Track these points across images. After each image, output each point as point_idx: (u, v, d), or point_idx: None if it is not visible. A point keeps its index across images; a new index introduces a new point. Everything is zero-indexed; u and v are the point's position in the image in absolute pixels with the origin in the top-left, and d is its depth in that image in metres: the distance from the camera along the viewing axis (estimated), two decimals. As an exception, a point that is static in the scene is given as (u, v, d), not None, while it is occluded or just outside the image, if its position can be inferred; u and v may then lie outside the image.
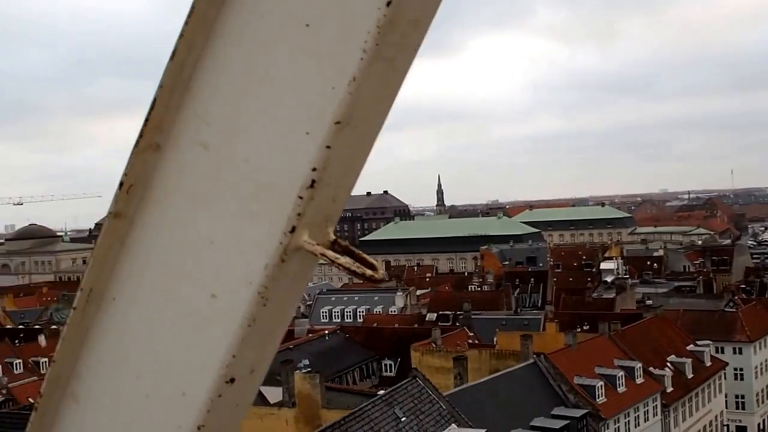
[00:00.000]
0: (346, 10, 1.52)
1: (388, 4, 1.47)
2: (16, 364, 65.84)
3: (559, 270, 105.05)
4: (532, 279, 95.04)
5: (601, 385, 47.85)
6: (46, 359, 69.12)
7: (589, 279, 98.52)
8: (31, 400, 45.28)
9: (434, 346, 54.44)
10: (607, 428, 46.97)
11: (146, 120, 1.73)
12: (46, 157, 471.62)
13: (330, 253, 1.69)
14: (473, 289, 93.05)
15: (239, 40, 1.63)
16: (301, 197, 1.61)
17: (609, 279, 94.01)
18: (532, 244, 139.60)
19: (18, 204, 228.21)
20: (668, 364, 55.51)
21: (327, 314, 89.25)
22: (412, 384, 36.50)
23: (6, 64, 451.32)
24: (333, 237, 1.73)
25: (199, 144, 1.72)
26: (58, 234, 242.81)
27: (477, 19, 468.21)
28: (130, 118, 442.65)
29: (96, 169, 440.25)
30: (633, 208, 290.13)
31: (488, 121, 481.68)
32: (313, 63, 1.57)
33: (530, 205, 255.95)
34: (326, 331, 67.55)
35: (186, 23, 1.65)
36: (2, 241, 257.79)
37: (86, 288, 1.84)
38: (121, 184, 1.76)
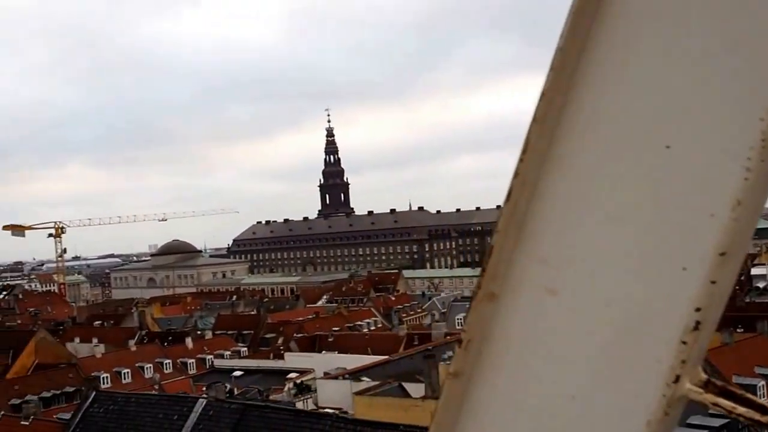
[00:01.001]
0: (719, 126, 1.28)
1: None
2: (165, 363, 68.64)
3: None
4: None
5: (763, 385, 45.36)
6: (193, 360, 71.29)
7: (737, 287, 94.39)
8: (179, 394, 46.44)
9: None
10: (769, 429, 44.31)
11: (483, 270, 1.45)
12: (187, 180, 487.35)
13: (724, 402, 1.36)
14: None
15: (579, 170, 1.39)
16: (684, 342, 1.35)
17: (761, 285, 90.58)
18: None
19: (162, 220, 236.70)
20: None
21: (462, 321, 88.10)
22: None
23: (150, 95, 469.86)
24: (704, 376, 1.45)
25: (543, 290, 1.46)
26: (199, 249, 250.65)
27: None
28: (262, 141, 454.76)
29: (231, 189, 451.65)
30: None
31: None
32: (683, 189, 1.32)
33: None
34: (465, 334, 66.56)
35: (520, 160, 1.41)
36: (149, 257, 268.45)
37: None
38: (460, 342, 1.54)
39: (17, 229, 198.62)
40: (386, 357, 57.78)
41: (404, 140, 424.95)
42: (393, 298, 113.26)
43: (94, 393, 34.59)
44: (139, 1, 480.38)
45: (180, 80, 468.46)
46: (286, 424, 27.71)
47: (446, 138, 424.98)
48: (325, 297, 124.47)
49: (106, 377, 60.14)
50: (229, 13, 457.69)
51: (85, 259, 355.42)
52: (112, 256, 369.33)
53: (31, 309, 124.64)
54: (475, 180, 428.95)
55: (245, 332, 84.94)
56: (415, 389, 45.84)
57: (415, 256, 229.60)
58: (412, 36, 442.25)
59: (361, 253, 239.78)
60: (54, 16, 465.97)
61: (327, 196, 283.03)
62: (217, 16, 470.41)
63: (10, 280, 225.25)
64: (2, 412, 40.03)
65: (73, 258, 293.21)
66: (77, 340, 78.60)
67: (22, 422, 37.89)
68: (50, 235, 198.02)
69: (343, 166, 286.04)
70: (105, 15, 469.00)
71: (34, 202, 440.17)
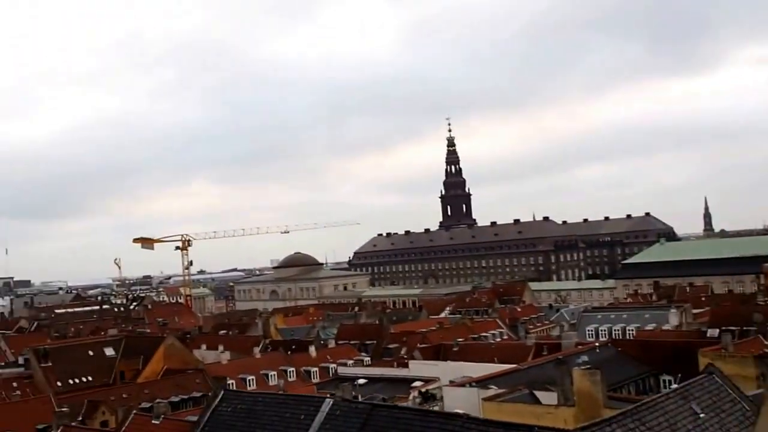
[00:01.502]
0: None
1: None
2: (289, 371, 68.80)
3: None
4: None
5: None
6: (316, 368, 71.11)
7: None
8: (306, 395, 45.91)
9: (725, 351, 49.59)
10: None
11: None
12: (308, 195, 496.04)
13: None
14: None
15: None
16: None
17: None
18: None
19: (285, 232, 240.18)
20: None
21: (593, 332, 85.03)
22: (708, 380, 32.64)
23: (272, 112, 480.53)
24: None
25: None
26: (320, 262, 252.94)
27: (733, 32, 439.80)
28: (382, 154, 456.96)
29: (351, 202, 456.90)
30: None
31: (761, 139, 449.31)
32: None
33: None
34: (596, 343, 64.09)
35: None
36: (271, 271, 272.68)
37: None
38: None
39: (147, 243, 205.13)
40: (515, 365, 55.87)
41: (526, 149, 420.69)
42: (519, 310, 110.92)
43: (222, 392, 34.22)
44: (261, 22, 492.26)
45: (301, 97, 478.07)
46: (414, 424, 26.52)
47: (570, 146, 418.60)
48: (448, 308, 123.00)
49: (232, 383, 60.27)
50: (346, 29, 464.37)
51: (209, 273, 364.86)
52: (235, 270, 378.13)
53: (159, 319, 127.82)
54: (604, 189, 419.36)
55: (368, 342, 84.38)
56: (546, 397, 43.96)
57: (541, 268, 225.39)
58: (530, 44, 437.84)
59: (484, 265, 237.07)
60: (179, 39, 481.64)
61: (448, 207, 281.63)
62: (335, 33, 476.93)
63: (140, 293, 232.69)
64: (134, 411, 40.43)
65: (198, 272, 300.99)
66: (204, 347, 79.68)
67: (153, 421, 38.09)
68: (177, 248, 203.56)
69: (464, 176, 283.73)
70: (228, 36, 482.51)
71: (161, 218, 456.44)
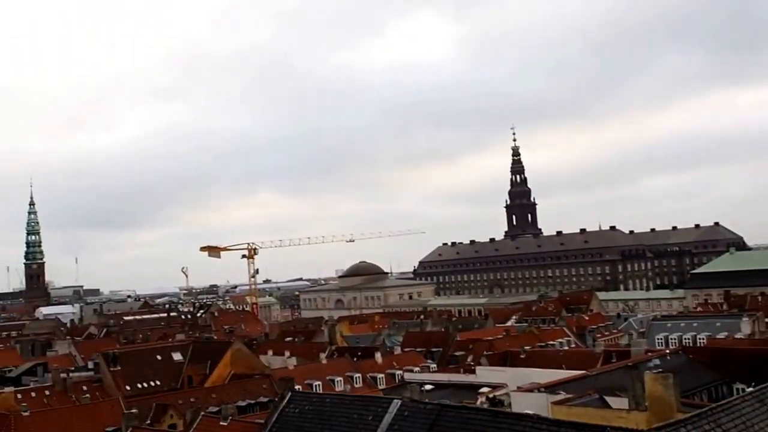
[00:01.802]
0: None
1: None
2: (356, 377, 68.92)
3: None
4: None
5: None
6: (383, 374, 70.96)
7: None
8: (374, 396, 45.92)
9: (802, 359, 48.16)
10: None
11: None
12: (373, 205, 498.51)
13: None
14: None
15: None
16: None
17: None
18: None
19: (350, 241, 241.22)
20: None
21: (663, 341, 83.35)
22: (787, 385, 31.56)
23: (337, 123, 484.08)
24: None
25: None
26: (385, 271, 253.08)
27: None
28: (446, 165, 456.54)
29: (415, 213, 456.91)
30: None
31: None
32: None
33: None
34: (667, 351, 62.78)
35: None
36: (335, 280, 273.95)
37: None
38: None
39: (213, 251, 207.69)
40: (583, 372, 54.95)
41: (592, 160, 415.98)
42: (587, 318, 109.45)
43: (290, 393, 34.25)
44: (326, 35, 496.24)
45: (366, 108, 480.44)
46: (484, 425, 26.15)
47: (636, 156, 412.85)
48: (514, 317, 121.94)
49: (298, 388, 60.51)
50: (411, 42, 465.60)
51: (275, 282, 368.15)
52: (300, 279, 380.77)
53: (225, 326, 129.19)
54: (671, 200, 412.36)
55: (434, 350, 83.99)
56: (617, 403, 43.13)
57: (608, 278, 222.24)
58: (595, 54, 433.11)
59: (549, 274, 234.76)
60: (247, 51, 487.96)
61: (513, 217, 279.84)
62: (400, 46, 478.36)
63: (206, 301, 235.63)
64: (202, 413, 40.82)
65: (264, 281, 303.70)
66: (270, 353, 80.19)
67: (221, 423, 38.44)
68: (243, 256, 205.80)
69: (529, 186, 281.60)
70: (294, 49, 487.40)
71: (227, 228, 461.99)
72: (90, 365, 74.87)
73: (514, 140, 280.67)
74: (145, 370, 68.77)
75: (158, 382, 67.81)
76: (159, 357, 71.22)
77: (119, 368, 67.34)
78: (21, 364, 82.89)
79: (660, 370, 42.29)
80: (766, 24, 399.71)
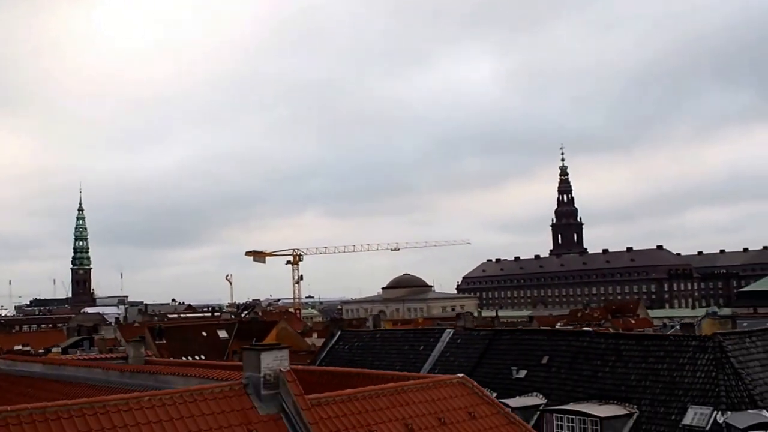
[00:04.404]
0: None
1: None
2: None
3: None
4: None
5: None
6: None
7: None
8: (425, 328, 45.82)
9: None
10: None
11: None
12: (418, 230, 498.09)
13: None
14: None
15: None
16: None
17: None
18: None
19: (395, 249, 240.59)
20: None
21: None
22: None
23: (383, 149, 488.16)
24: None
25: None
26: (429, 284, 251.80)
27: None
28: (490, 192, 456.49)
29: (458, 238, 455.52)
30: None
31: None
32: None
33: None
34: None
35: None
36: (380, 290, 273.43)
37: None
38: None
39: (259, 256, 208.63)
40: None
41: (635, 192, 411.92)
42: (633, 322, 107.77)
43: (339, 331, 34.20)
44: (376, 63, 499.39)
45: (412, 136, 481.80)
46: (540, 343, 25.80)
47: (680, 189, 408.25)
48: (559, 323, 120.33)
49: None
50: (457, 71, 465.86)
51: (318, 297, 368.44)
52: (343, 297, 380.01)
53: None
54: (717, 234, 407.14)
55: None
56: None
57: (653, 296, 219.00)
58: (639, 88, 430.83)
59: (594, 292, 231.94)
60: (294, 78, 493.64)
61: (559, 236, 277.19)
62: (447, 75, 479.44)
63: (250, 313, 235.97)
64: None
65: (307, 297, 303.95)
66: (315, 335, 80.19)
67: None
68: (288, 262, 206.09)
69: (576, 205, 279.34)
70: (342, 77, 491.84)
71: (272, 246, 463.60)
72: (135, 344, 75.14)
73: (563, 160, 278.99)
74: (191, 345, 68.96)
75: (203, 357, 67.81)
76: (204, 333, 71.43)
77: (164, 341, 67.59)
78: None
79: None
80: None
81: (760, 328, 28.64)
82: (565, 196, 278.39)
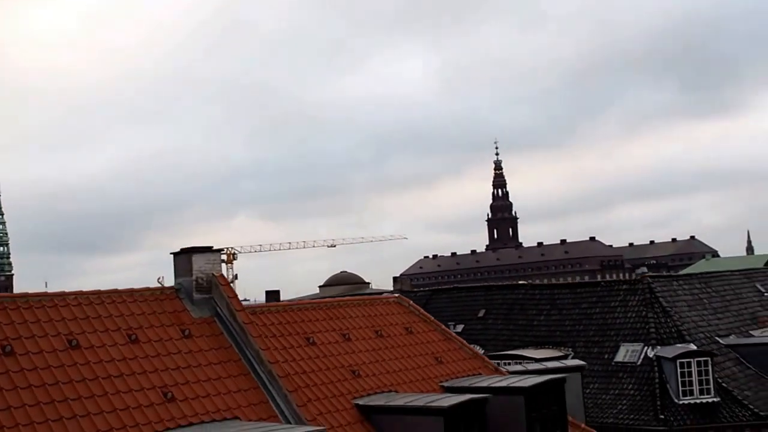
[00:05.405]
0: None
1: None
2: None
3: None
4: None
5: None
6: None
7: None
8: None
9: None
10: None
11: None
12: (352, 231, 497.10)
13: None
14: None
15: None
16: None
17: None
18: None
19: (331, 246, 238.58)
20: None
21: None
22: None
23: (317, 150, 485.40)
24: None
25: None
26: (367, 281, 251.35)
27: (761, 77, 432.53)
28: (424, 192, 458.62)
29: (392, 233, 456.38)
30: None
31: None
32: None
33: None
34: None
35: None
36: (317, 289, 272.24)
37: None
38: None
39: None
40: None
41: (567, 189, 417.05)
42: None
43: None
44: (309, 63, 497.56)
45: (345, 137, 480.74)
46: (477, 297, 26.15)
47: (610, 186, 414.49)
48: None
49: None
50: (389, 73, 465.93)
51: (254, 300, 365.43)
52: (277, 297, 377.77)
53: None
54: (645, 229, 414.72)
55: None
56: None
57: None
58: (567, 86, 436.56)
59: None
60: (228, 78, 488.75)
61: (495, 230, 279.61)
62: (380, 74, 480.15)
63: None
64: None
65: (243, 300, 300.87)
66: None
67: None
68: (222, 261, 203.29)
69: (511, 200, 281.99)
70: (275, 78, 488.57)
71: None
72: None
73: (497, 154, 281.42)
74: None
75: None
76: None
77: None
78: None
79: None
80: (726, 63, 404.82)
81: (687, 273, 29.36)
82: (499, 191, 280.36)
